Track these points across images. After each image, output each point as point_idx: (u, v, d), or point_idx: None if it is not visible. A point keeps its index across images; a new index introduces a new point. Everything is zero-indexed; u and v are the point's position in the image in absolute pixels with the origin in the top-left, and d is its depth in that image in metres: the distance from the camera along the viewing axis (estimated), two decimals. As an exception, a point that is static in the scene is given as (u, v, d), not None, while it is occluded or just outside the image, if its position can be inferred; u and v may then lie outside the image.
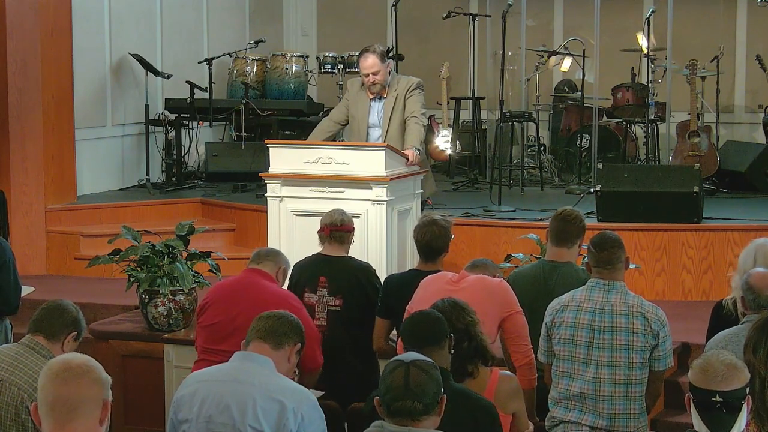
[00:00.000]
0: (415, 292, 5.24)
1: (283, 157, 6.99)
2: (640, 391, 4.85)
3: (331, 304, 5.82)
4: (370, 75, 7.64)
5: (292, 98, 11.00)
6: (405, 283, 5.67)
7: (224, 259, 7.26)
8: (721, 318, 5.30)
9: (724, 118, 11.07)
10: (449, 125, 10.25)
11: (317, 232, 6.03)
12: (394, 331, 5.77)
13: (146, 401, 6.85)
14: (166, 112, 10.37)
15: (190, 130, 10.44)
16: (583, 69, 10.65)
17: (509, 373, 4.69)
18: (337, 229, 5.94)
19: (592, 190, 8.80)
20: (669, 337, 4.90)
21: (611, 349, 4.82)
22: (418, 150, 7.30)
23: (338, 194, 6.77)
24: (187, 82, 10.15)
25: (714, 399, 3.44)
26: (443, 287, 5.11)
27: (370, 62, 7.63)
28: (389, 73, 7.76)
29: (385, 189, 6.72)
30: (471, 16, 10.92)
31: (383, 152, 6.81)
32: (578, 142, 10.74)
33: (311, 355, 5.17)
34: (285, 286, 5.72)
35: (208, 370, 4.29)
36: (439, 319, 4.21)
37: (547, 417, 5.00)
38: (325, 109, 10.70)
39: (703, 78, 10.51)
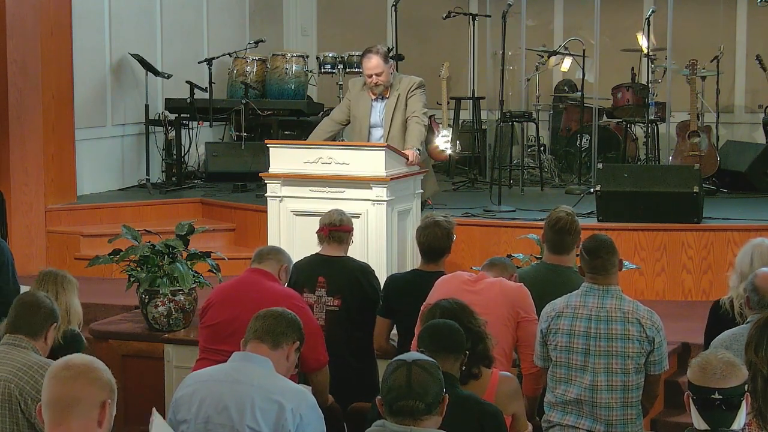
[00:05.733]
0: (431, 293, 5.19)
1: (283, 157, 7.00)
2: (637, 396, 4.84)
3: (329, 304, 5.82)
4: (374, 76, 7.62)
5: (292, 98, 11.00)
6: (406, 283, 5.68)
7: (224, 259, 7.26)
8: (718, 317, 5.29)
9: (724, 118, 11.07)
10: (449, 125, 10.25)
11: (316, 233, 6.02)
12: (395, 331, 5.78)
13: (146, 401, 6.83)
14: (166, 112, 10.37)
15: (190, 130, 10.44)
16: (583, 69, 10.65)
17: (509, 374, 4.67)
18: (336, 229, 5.94)
19: (592, 190, 8.80)
20: (664, 341, 4.87)
21: (607, 356, 4.79)
22: (419, 150, 7.30)
23: (338, 194, 6.77)
24: (187, 82, 10.15)
25: (713, 396, 3.44)
26: (460, 287, 5.09)
27: (374, 63, 7.61)
28: (391, 73, 7.75)
29: (385, 189, 6.72)
30: (471, 16, 10.92)
31: (383, 152, 6.81)
32: (578, 142, 10.74)
33: (314, 353, 5.17)
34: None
35: (207, 371, 4.29)
36: (459, 332, 4.21)
37: (543, 419, 4.99)
38: (325, 109, 10.69)
39: (703, 78, 10.51)
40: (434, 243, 5.61)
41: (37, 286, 5.45)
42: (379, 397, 3.47)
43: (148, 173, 10.29)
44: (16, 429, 4.39)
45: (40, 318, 4.62)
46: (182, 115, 10.28)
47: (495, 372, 4.49)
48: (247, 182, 9.90)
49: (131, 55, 10.22)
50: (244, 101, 10.11)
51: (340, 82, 10.77)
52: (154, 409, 4.35)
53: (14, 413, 4.40)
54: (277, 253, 5.52)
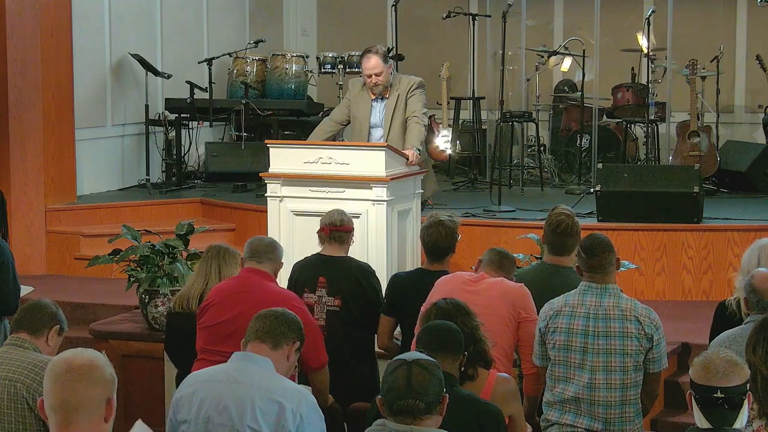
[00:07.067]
0: (431, 293, 5.20)
1: (283, 157, 6.99)
2: (635, 394, 4.83)
3: (330, 304, 5.82)
4: (373, 76, 7.63)
5: (292, 98, 11.00)
6: (411, 282, 5.68)
7: (224, 259, 7.25)
8: (724, 318, 5.27)
9: (724, 118, 11.07)
10: (449, 125, 10.25)
11: (317, 233, 6.02)
12: (398, 330, 5.78)
13: (146, 401, 6.85)
14: (166, 112, 10.37)
15: (190, 130, 10.44)
16: (583, 69, 10.64)
17: (506, 375, 4.67)
18: (337, 229, 5.94)
19: (592, 190, 8.80)
20: (663, 339, 4.87)
21: (606, 354, 4.79)
22: (419, 150, 7.30)
23: (338, 194, 6.77)
24: (187, 82, 10.16)
25: (715, 395, 3.45)
26: (460, 287, 5.10)
27: (373, 63, 7.62)
28: (391, 73, 7.76)
29: (385, 189, 6.72)
30: (471, 16, 10.91)
31: (383, 152, 6.81)
32: (578, 142, 10.74)
33: (314, 353, 5.17)
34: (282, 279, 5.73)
35: (208, 371, 4.29)
36: (458, 332, 4.21)
37: (541, 418, 4.99)
38: (325, 109, 10.70)
39: (703, 78, 10.51)
40: (438, 242, 5.61)
41: (201, 261, 5.74)
42: (379, 396, 3.47)
43: (148, 173, 10.29)
44: (23, 428, 4.41)
45: (42, 317, 4.67)
46: (182, 115, 10.28)
47: (492, 373, 4.48)
48: (247, 182, 9.90)
49: (131, 55, 10.22)
50: (244, 101, 10.11)
51: (340, 82, 10.77)
52: (139, 420, 4.33)
53: (20, 412, 4.42)
54: (273, 251, 5.46)
